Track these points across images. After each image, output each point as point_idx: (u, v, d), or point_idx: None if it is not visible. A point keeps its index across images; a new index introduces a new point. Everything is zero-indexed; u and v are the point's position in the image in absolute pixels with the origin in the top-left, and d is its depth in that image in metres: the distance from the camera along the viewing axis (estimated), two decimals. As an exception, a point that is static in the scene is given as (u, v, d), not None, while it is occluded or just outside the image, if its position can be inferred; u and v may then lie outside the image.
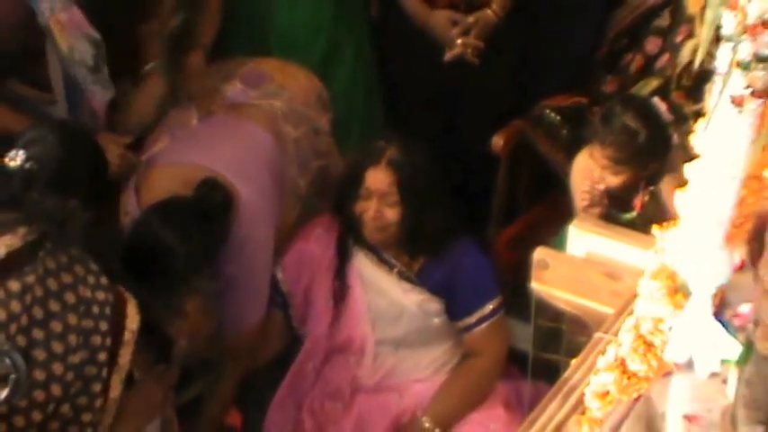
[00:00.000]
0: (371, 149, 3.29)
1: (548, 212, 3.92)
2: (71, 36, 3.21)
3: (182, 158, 3.33)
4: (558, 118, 3.86)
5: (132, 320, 2.39)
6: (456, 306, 3.36)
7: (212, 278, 3.14)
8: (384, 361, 3.42)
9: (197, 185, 3.12)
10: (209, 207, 3.09)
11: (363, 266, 3.38)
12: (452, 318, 3.37)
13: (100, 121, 3.37)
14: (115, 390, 2.35)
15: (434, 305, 3.35)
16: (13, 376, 1.09)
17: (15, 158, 2.42)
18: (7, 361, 1.09)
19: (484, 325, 3.34)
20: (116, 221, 3.26)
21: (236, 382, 3.39)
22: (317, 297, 3.44)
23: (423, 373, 3.43)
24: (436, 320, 3.38)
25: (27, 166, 2.42)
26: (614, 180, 3.31)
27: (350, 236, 3.36)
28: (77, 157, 2.67)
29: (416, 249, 3.34)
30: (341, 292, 3.39)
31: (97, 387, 2.29)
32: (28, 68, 3.30)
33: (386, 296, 3.36)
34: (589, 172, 3.37)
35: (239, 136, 3.43)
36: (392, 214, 3.24)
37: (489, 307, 3.34)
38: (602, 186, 3.33)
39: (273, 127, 3.49)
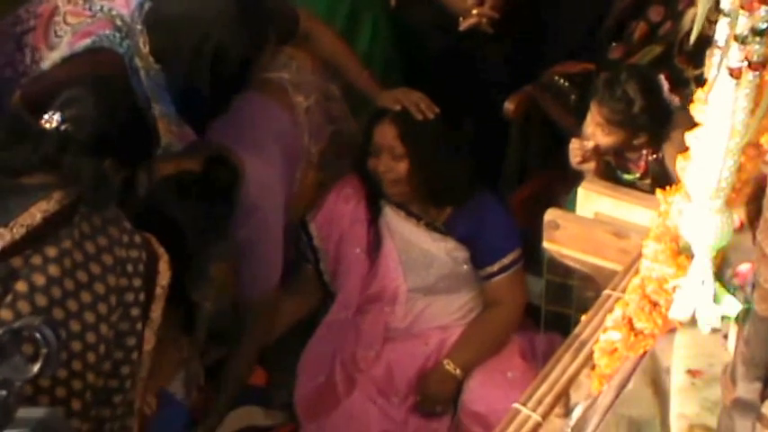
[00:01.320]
0: (379, 108, 3.39)
1: (558, 175, 3.92)
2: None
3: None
4: (567, 84, 3.87)
5: (164, 276, 2.39)
6: (479, 255, 3.43)
7: (226, 244, 3.15)
8: (414, 306, 3.49)
9: (206, 162, 3.10)
10: (217, 183, 3.09)
11: (392, 220, 3.45)
12: (475, 266, 3.44)
13: None
14: (149, 343, 2.36)
15: (462, 253, 3.43)
16: (44, 351, 1.09)
17: (51, 120, 2.34)
18: (37, 335, 1.09)
19: (504, 274, 3.41)
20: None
21: (258, 344, 3.40)
22: (348, 253, 3.50)
23: (449, 318, 3.49)
24: (465, 267, 3.46)
25: (63, 128, 2.33)
26: (604, 139, 3.35)
27: (377, 193, 3.42)
28: (114, 119, 2.54)
29: (438, 200, 3.42)
30: (373, 245, 3.45)
31: (132, 341, 2.30)
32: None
33: (416, 246, 3.43)
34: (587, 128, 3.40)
35: (247, 108, 3.40)
36: (401, 167, 3.31)
37: (510, 257, 3.41)
38: (590, 144, 3.35)
39: (283, 98, 3.46)
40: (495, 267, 3.41)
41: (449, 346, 3.44)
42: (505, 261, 3.40)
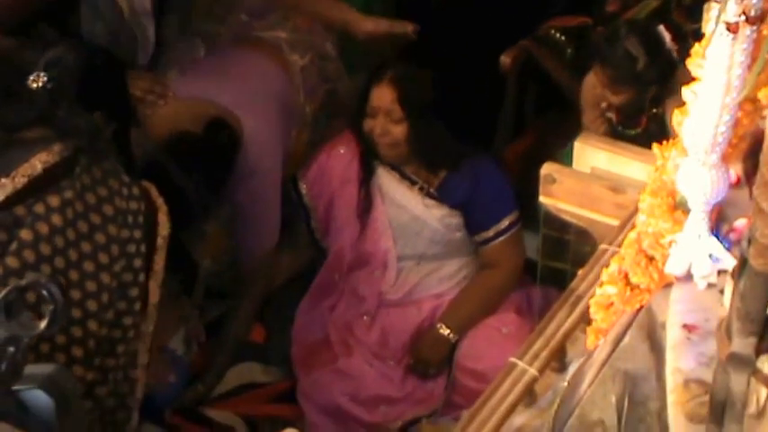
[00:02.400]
0: (377, 68, 3.32)
1: (554, 128, 3.93)
2: None
3: (189, 93, 3.31)
4: (564, 38, 3.86)
5: (164, 227, 2.45)
6: (474, 220, 3.40)
7: (224, 204, 3.16)
8: (407, 276, 3.46)
9: (206, 126, 3.11)
10: (216, 146, 3.10)
11: (385, 182, 3.41)
12: (470, 231, 3.41)
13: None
14: (154, 296, 2.42)
15: (455, 219, 3.39)
16: (50, 308, 1.12)
17: (38, 80, 2.42)
18: (44, 293, 1.11)
19: (500, 239, 3.38)
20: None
21: (256, 302, 3.43)
22: (339, 212, 3.48)
23: (444, 285, 3.48)
24: (457, 234, 3.42)
25: (49, 86, 2.41)
26: (615, 98, 3.34)
27: (370, 153, 3.38)
28: (97, 75, 2.63)
29: (433, 164, 3.36)
30: (363, 206, 3.41)
31: (134, 292, 2.35)
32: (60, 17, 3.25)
33: (407, 211, 3.39)
34: (595, 88, 3.39)
35: (245, 69, 3.41)
36: (398, 131, 3.26)
37: (506, 222, 3.38)
38: (604, 104, 3.34)
39: (279, 58, 3.47)
40: (491, 232, 3.39)
41: (442, 310, 3.45)
42: (501, 226, 3.38)
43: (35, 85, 2.38)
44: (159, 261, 2.43)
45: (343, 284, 3.52)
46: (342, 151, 3.47)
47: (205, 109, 3.18)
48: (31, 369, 1.19)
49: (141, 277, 2.36)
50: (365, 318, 3.46)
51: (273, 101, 3.38)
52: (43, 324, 1.16)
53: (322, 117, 3.60)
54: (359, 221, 3.45)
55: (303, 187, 3.49)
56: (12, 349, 1.15)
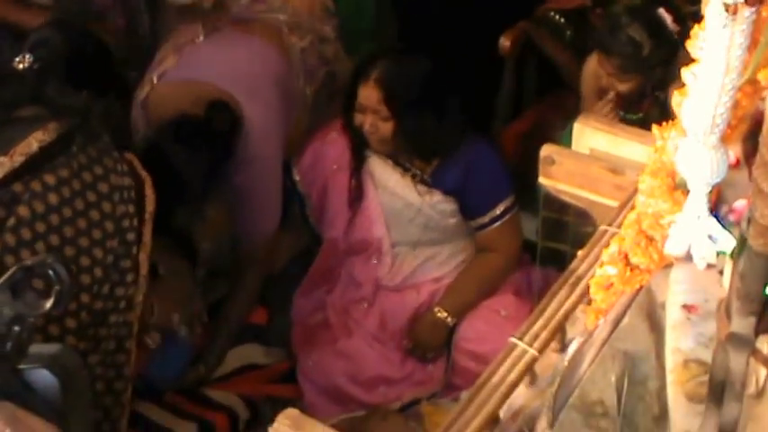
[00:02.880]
0: (362, 64, 3.25)
1: (552, 109, 3.93)
2: None
3: (189, 76, 3.30)
4: (562, 20, 3.85)
5: (150, 200, 2.50)
6: (469, 206, 3.36)
7: (225, 187, 3.16)
8: (403, 262, 3.44)
9: (206, 108, 3.10)
10: (217, 129, 3.10)
11: (378, 169, 3.37)
12: (466, 217, 3.38)
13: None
14: (144, 267, 2.47)
15: (449, 206, 3.35)
16: (56, 288, 1.12)
17: (24, 61, 2.45)
18: (50, 272, 1.12)
19: (496, 224, 3.35)
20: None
21: (257, 285, 3.42)
22: (332, 199, 3.45)
23: (442, 269, 3.46)
24: (452, 220, 3.38)
25: (36, 67, 2.45)
26: (623, 86, 3.33)
27: (362, 142, 3.34)
28: (83, 53, 2.70)
29: (426, 155, 3.32)
30: (356, 193, 3.38)
31: (127, 264, 2.41)
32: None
33: (401, 198, 3.35)
34: (598, 78, 3.38)
35: (245, 52, 3.40)
36: (387, 128, 3.21)
37: (501, 207, 3.34)
38: (611, 95, 3.34)
39: (279, 40, 3.45)
40: (487, 218, 3.36)
41: (441, 294, 3.44)
42: (497, 211, 3.34)
43: (21, 66, 2.42)
44: (147, 233, 2.48)
45: (340, 270, 3.51)
46: (334, 138, 3.43)
47: (205, 91, 3.17)
48: (36, 348, 1.20)
49: (134, 250, 2.41)
50: (363, 303, 3.45)
51: (273, 83, 3.37)
52: (49, 304, 1.16)
53: (321, 100, 3.59)
54: (351, 210, 3.42)
55: (297, 174, 3.47)
56: (17, 328, 1.16)
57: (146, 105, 3.27)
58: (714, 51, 1.63)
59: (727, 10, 1.58)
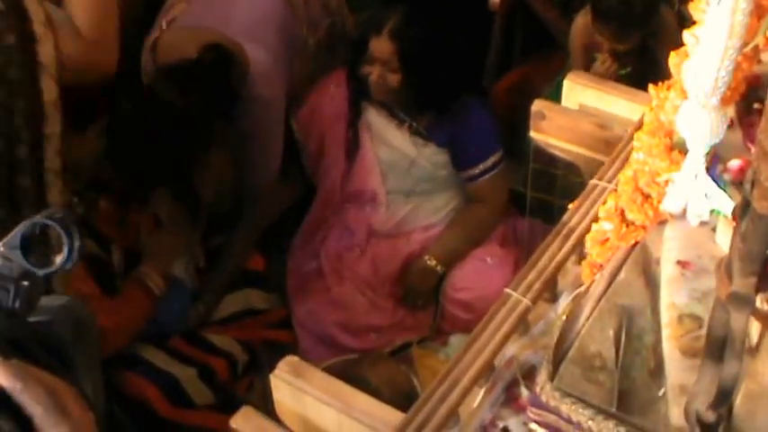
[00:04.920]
0: (376, 17, 3.21)
1: (541, 64, 3.88)
2: None
3: (197, 22, 3.27)
4: (552, -24, 3.79)
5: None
6: (461, 158, 3.35)
7: (228, 132, 3.12)
8: (396, 209, 3.42)
9: (200, 50, 3.06)
10: (211, 69, 3.04)
11: (374, 120, 3.34)
12: (457, 168, 3.36)
13: None
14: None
15: (442, 157, 3.34)
16: (66, 243, 1.06)
17: None
18: (59, 229, 1.05)
19: (487, 176, 3.34)
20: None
21: (257, 230, 3.38)
22: (329, 149, 3.42)
23: (432, 218, 3.45)
24: (444, 171, 3.37)
25: None
26: (622, 47, 3.31)
27: (361, 92, 3.30)
28: None
29: (426, 107, 3.29)
30: (352, 144, 3.35)
31: None
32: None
33: (396, 149, 3.33)
34: (586, 35, 3.35)
35: (250, 1, 3.35)
36: (394, 79, 3.18)
37: (492, 160, 3.33)
38: (605, 55, 3.31)
39: None
40: (477, 170, 3.34)
41: (431, 242, 3.42)
42: (488, 163, 3.33)
43: None
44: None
45: (334, 218, 3.49)
46: (333, 89, 3.40)
47: (210, 37, 3.13)
48: (44, 301, 1.14)
49: None
50: (356, 250, 3.43)
51: (277, 31, 3.34)
52: (60, 259, 1.10)
53: (323, 51, 3.53)
54: (347, 160, 3.40)
55: (295, 125, 3.44)
56: (26, 283, 1.09)
57: (154, 50, 3.22)
58: (718, 14, 1.56)
59: (731, -28, 1.51)
